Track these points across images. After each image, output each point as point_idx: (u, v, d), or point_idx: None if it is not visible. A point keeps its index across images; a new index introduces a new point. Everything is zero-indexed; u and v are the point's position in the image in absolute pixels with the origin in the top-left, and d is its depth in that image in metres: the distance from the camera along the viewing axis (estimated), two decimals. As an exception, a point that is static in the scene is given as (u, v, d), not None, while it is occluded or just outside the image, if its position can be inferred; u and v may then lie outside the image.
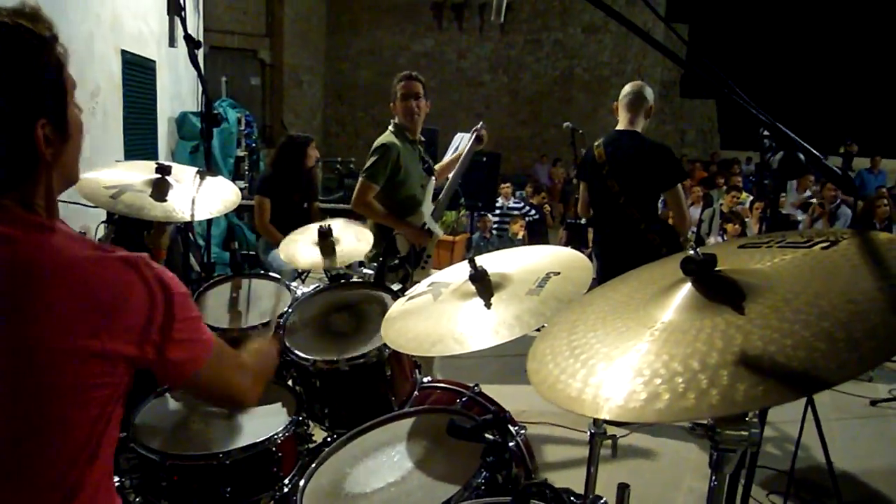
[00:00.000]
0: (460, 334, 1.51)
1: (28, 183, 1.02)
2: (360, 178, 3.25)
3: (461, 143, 5.16)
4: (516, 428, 1.98)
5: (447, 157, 3.94)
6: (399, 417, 1.71)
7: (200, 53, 8.03)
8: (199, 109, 7.27)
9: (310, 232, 2.35)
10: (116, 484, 1.77)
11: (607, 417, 0.81)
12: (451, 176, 3.59)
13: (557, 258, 1.72)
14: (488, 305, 1.58)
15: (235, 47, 14.45)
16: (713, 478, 0.99)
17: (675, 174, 3.57)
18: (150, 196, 2.00)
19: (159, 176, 2.06)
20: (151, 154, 6.09)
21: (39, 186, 1.03)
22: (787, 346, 0.76)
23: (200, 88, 2.18)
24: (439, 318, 1.62)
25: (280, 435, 1.73)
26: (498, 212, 8.16)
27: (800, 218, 8.38)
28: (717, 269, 0.95)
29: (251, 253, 4.76)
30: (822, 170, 1.38)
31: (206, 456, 1.64)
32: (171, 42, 2.08)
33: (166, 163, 2.11)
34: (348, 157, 12.72)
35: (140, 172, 2.09)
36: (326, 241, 2.22)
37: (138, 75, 5.82)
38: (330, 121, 17.00)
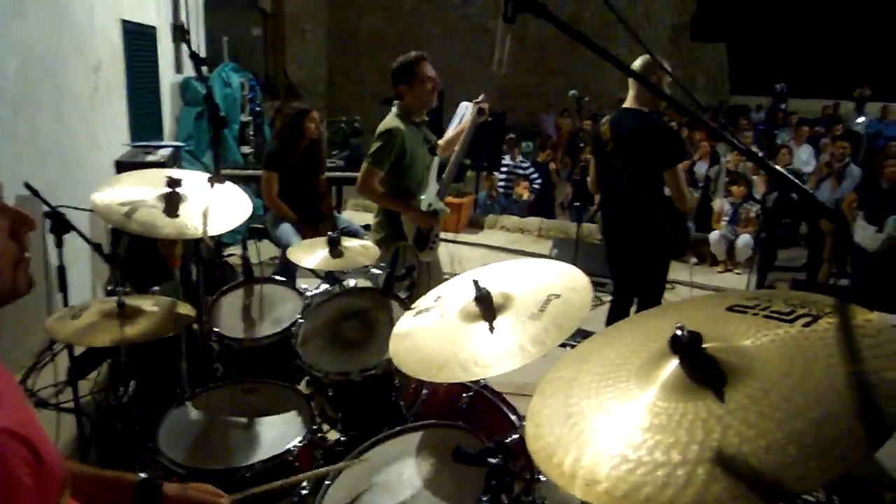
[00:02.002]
0: (465, 361, 1.59)
1: None
2: (365, 164, 3.27)
3: (465, 112, 5.15)
4: (521, 422, 2.10)
5: (450, 131, 3.94)
6: (408, 431, 1.80)
7: (201, 11, 7.87)
8: (191, 49, 7.19)
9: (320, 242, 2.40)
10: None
11: (594, 503, 0.89)
12: (455, 151, 3.61)
13: (558, 278, 1.78)
14: (491, 329, 1.66)
15: (236, -3, 14.19)
16: None
17: (674, 155, 3.56)
18: (163, 212, 2.05)
19: (170, 190, 2.11)
20: (156, 124, 6.09)
21: None
22: (761, 448, 0.83)
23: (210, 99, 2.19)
24: (445, 341, 1.69)
25: (297, 446, 1.83)
26: (504, 170, 8.16)
27: (807, 170, 8.33)
28: (702, 345, 1.02)
29: (260, 227, 4.83)
30: (816, 206, 1.43)
31: (229, 470, 1.75)
32: (178, 69, 2.09)
33: (176, 175, 2.15)
34: (353, 111, 12.59)
35: (151, 186, 2.14)
36: (336, 249, 2.29)
37: (139, 43, 5.77)
38: (334, 70, 16.78)
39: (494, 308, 1.70)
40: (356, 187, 3.35)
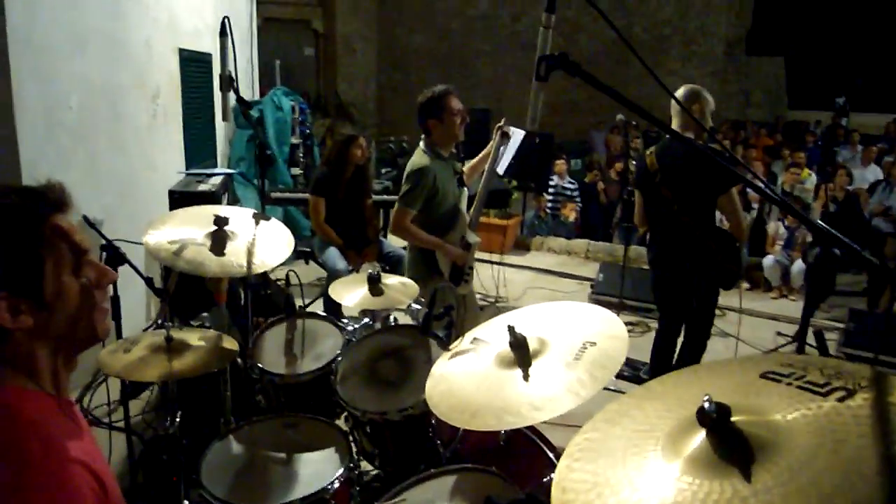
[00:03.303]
0: (498, 409, 1.59)
1: (20, 359, 1.07)
2: (397, 205, 3.26)
3: (513, 136, 5.17)
4: (556, 459, 2.09)
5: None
6: (442, 474, 1.82)
7: (255, 34, 8.13)
8: (254, 97, 7.40)
9: (361, 279, 2.44)
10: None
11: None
12: (483, 180, 3.56)
13: (595, 324, 1.77)
14: (526, 378, 1.66)
15: (288, 18, 14.60)
16: None
17: (728, 178, 3.50)
18: (210, 250, 2.13)
19: (217, 228, 2.18)
20: (210, 147, 6.30)
21: (22, 356, 1.08)
22: (785, 537, 0.81)
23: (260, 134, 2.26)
24: (479, 387, 1.70)
25: (335, 484, 1.87)
26: (552, 191, 8.12)
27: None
28: (731, 417, 1.00)
29: (307, 250, 4.94)
30: (860, 262, 1.39)
31: (267, 507, 1.80)
32: (224, 116, 2.17)
33: (223, 213, 2.22)
34: (403, 128, 12.73)
35: (199, 224, 2.22)
36: (375, 287, 2.32)
37: (195, 71, 5.98)
38: (384, 88, 17.01)
39: (529, 355, 1.71)
40: (390, 228, 3.32)
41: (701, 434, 1.01)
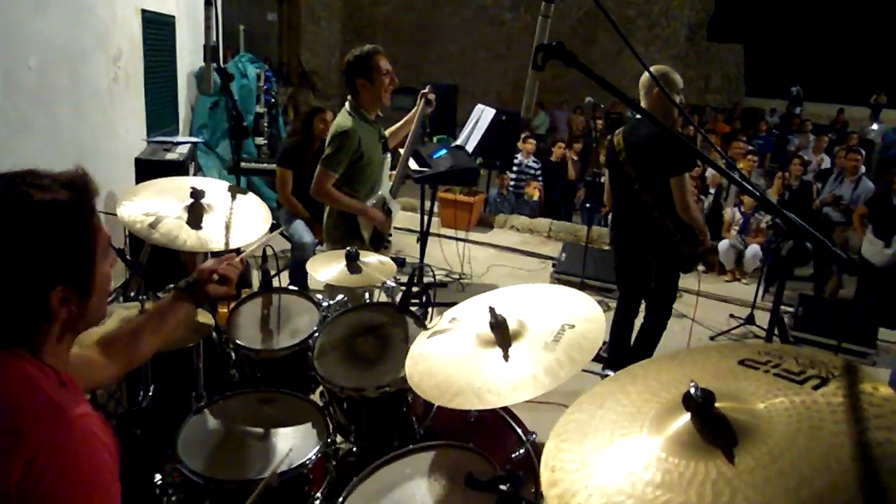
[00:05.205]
0: (479, 389, 1.63)
1: (37, 338, 1.11)
2: (319, 167, 3.16)
3: (482, 114, 5.18)
4: (527, 437, 2.16)
5: (405, 121, 3.65)
6: (420, 450, 1.85)
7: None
8: (220, 65, 7.18)
9: (339, 255, 2.44)
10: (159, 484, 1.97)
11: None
12: (405, 146, 3.53)
13: (573, 306, 1.82)
14: (506, 358, 1.70)
15: (252, -19, 14.22)
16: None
17: (682, 163, 3.54)
18: (186, 223, 2.10)
19: (193, 200, 2.15)
20: (172, 113, 6.14)
21: (50, 341, 1.12)
22: (767, 516, 0.87)
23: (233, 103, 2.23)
24: (460, 367, 1.74)
25: (312, 459, 1.89)
26: (515, 169, 8.17)
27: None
28: (714, 404, 1.06)
29: (274, 223, 4.88)
30: (832, 256, 1.46)
31: (245, 481, 1.81)
32: (206, 89, 2.12)
33: (199, 186, 2.19)
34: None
35: (175, 196, 2.19)
36: (353, 264, 2.33)
37: (158, 33, 5.80)
38: (348, 58, 16.76)
39: (509, 336, 1.75)
40: (311, 191, 3.22)
41: (685, 417, 1.07)
